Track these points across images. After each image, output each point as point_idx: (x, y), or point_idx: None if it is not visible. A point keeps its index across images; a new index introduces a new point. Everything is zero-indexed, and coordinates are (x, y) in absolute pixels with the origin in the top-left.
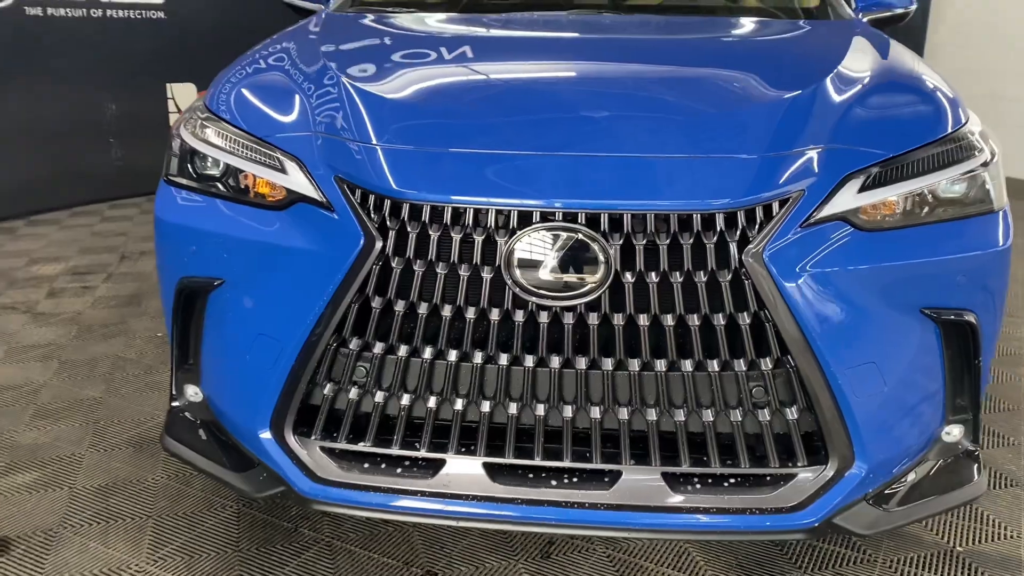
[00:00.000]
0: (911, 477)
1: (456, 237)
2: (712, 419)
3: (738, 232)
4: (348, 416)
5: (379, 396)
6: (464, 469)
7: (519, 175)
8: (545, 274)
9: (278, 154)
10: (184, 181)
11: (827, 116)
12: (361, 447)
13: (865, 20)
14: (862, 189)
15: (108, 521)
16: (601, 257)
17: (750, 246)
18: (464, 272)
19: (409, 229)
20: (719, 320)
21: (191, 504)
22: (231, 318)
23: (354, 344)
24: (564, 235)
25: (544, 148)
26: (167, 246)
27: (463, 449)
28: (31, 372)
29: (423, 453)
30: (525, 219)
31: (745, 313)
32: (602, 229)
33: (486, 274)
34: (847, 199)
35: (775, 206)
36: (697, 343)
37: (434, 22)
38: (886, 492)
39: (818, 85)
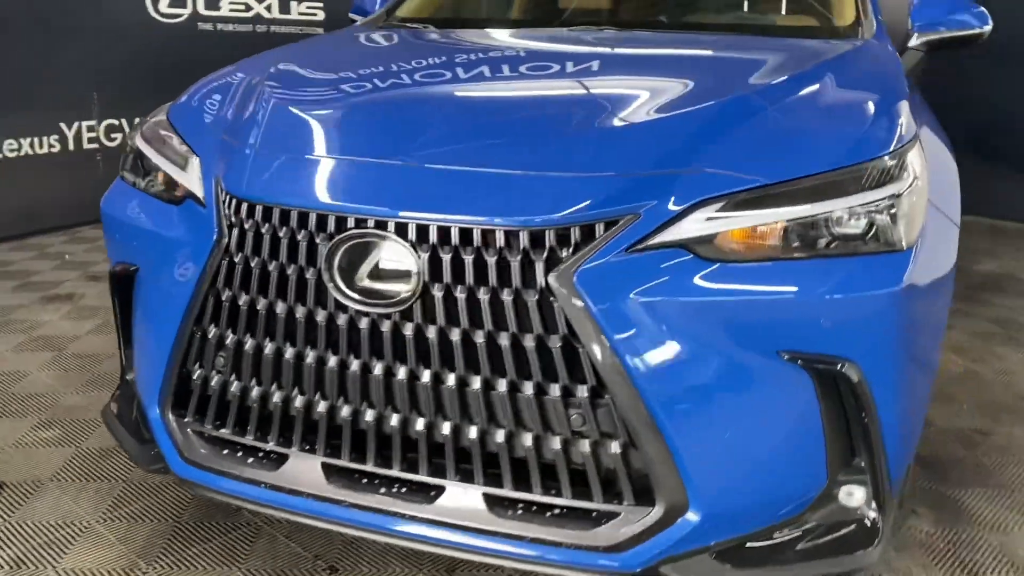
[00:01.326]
0: (783, 535)
1: (284, 239)
2: (531, 444)
3: (545, 252)
4: (213, 402)
5: (235, 386)
6: (304, 466)
7: (343, 181)
8: (361, 280)
9: (186, 153)
10: (129, 176)
11: (712, 136)
12: (222, 434)
13: (920, 42)
14: (717, 217)
15: (89, 480)
16: (412, 268)
17: (559, 267)
18: (292, 274)
19: (246, 228)
20: (528, 341)
21: (162, 477)
22: (140, 302)
23: (212, 334)
24: (375, 243)
25: (380, 155)
26: (106, 234)
27: (307, 447)
28: (111, 344)
29: (270, 446)
30: (345, 224)
31: (555, 336)
32: (410, 239)
33: (310, 276)
34: (693, 226)
35: (599, 228)
36: (510, 363)
37: (419, 38)
38: (742, 548)
39: (722, 104)
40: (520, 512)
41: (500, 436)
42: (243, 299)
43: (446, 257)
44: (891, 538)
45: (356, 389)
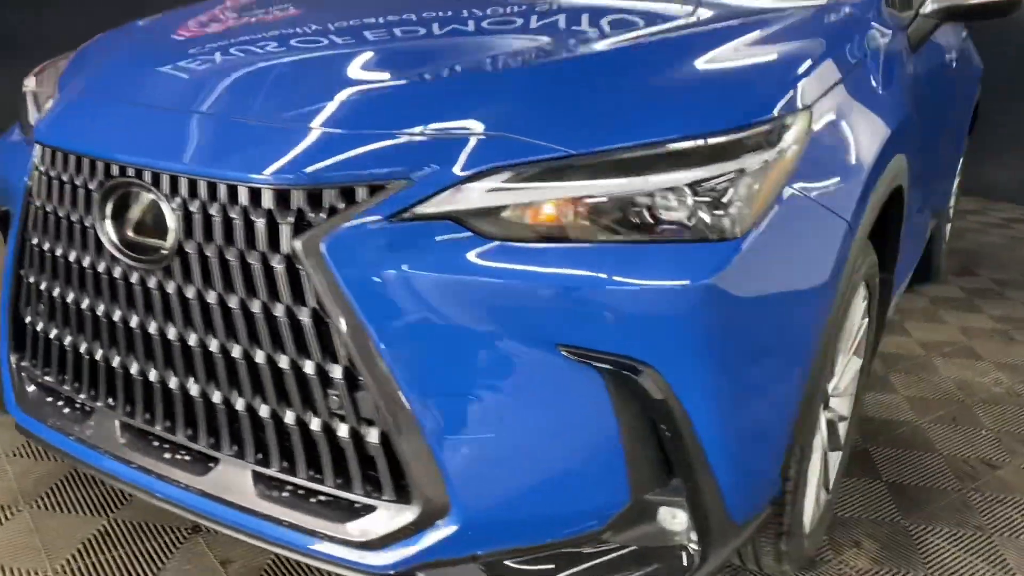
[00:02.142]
0: (566, 553)
1: (67, 185)
2: (294, 423)
3: (293, 214)
4: (40, 348)
5: (53, 333)
6: (106, 423)
7: (116, 128)
8: (128, 233)
9: (41, 97)
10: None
11: (518, 97)
12: (46, 380)
13: (935, 8)
14: (502, 188)
15: None
16: (170, 223)
17: (308, 233)
18: (76, 222)
19: (41, 172)
20: (279, 312)
21: None
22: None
23: (30, 279)
24: (139, 194)
25: (151, 103)
26: None
27: (110, 403)
28: None
29: (81, 399)
30: (111, 172)
31: (305, 309)
32: (164, 191)
33: (88, 223)
34: (472, 197)
35: (360, 192)
36: (264, 333)
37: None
38: (521, 561)
39: (540, 64)
40: (286, 495)
41: (265, 412)
42: (47, 246)
43: (197, 214)
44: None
45: (139, 347)
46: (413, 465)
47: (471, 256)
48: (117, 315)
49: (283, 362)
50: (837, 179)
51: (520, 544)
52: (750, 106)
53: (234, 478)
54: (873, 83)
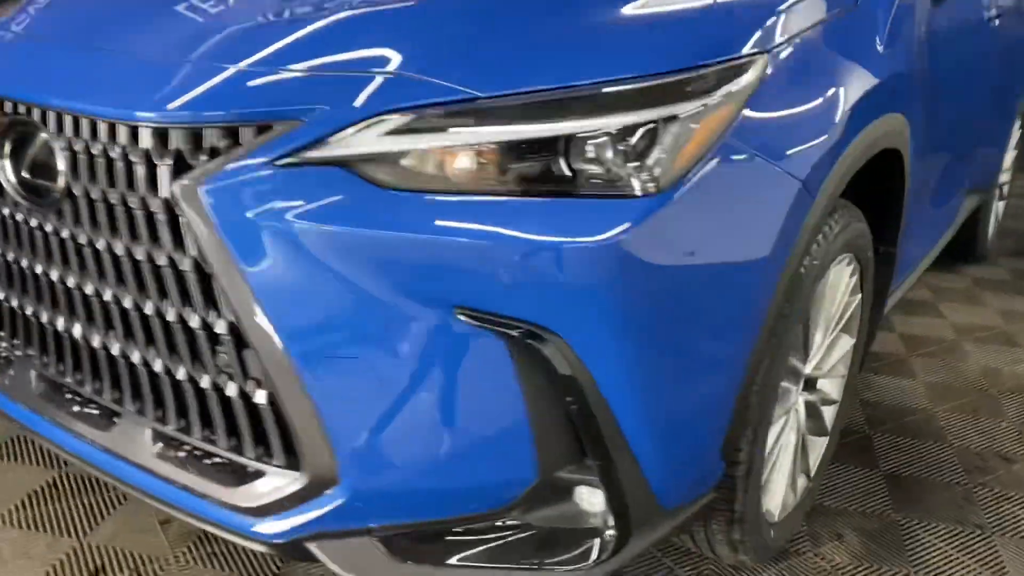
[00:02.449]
0: (468, 530)
1: None
2: (186, 379)
3: (172, 155)
4: None
5: None
6: (24, 373)
7: (17, 64)
8: (23, 172)
9: None
10: None
11: (425, 34)
12: None
13: None
14: (398, 132)
15: None
16: (59, 163)
17: (187, 175)
18: None
19: None
20: (163, 260)
21: None
22: None
23: None
24: (34, 132)
25: (48, 38)
26: None
27: (30, 352)
28: None
29: (2, 347)
30: (3, 109)
31: (186, 259)
32: (51, 129)
33: None
34: (365, 141)
35: (244, 133)
36: (151, 283)
37: None
38: (413, 536)
39: None
40: (183, 455)
41: (159, 367)
42: None
43: (82, 154)
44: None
45: (46, 295)
46: (300, 430)
47: (361, 206)
48: (24, 261)
49: (171, 315)
50: (794, 135)
51: (419, 519)
52: (692, 47)
53: (134, 436)
54: (867, 33)
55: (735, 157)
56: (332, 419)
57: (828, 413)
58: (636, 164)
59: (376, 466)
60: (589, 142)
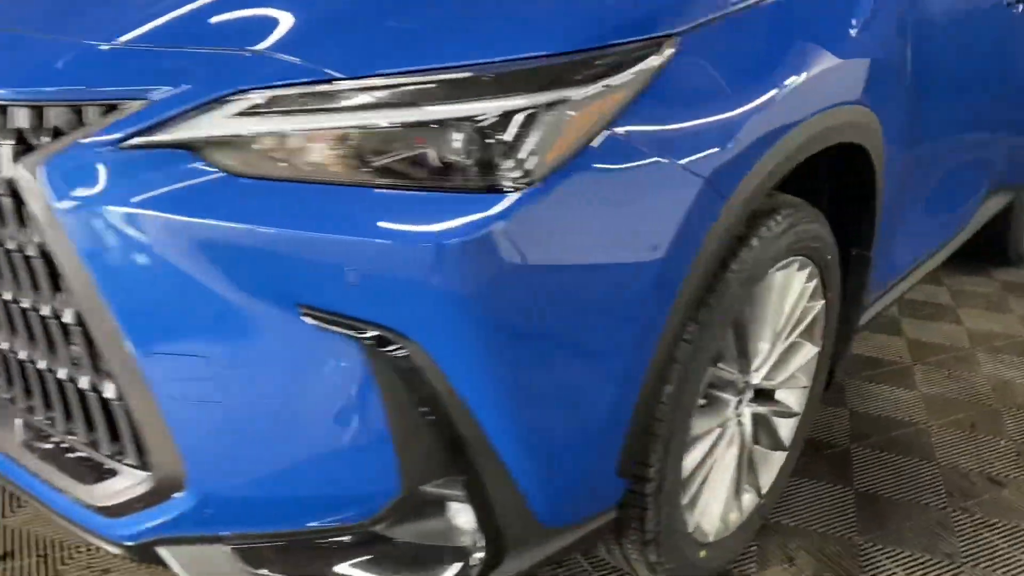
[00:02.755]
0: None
1: None
2: (46, 369)
3: (14, 135)
4: None
5: None
6: None
7: None
8: None
9: None
10: None
11: (293, 11)
12: None
13: None
14: (249, 115)
15: None
16: None
17: (28, 156)
18: None
19: None
20: (11, 244)
21: None
22: None
23: None
24: None
25: None
26: None
27: None
28: None
29: None
30: None
31: (29, 242)
32: None
33: None
34: (212, 124)
35: (88, 112)
36: (4, 266)
37: None
38: (266, 546)
39: None
40: (48, 448)
41: (24, 355)
42: None
43: None
44: None
45: None
46: (145, 429)
47: (204, 193)
48: None
49: (25, 302)
50: (700, 129)
51: (274, 528)
52: (584, 29)
53: (5, 424)
54: (815, 18)
55: (622, 151)
56: (177, 420)
57: (786, 426)
58: (503, 155)
59: (224, 470)
60: (454, 130)
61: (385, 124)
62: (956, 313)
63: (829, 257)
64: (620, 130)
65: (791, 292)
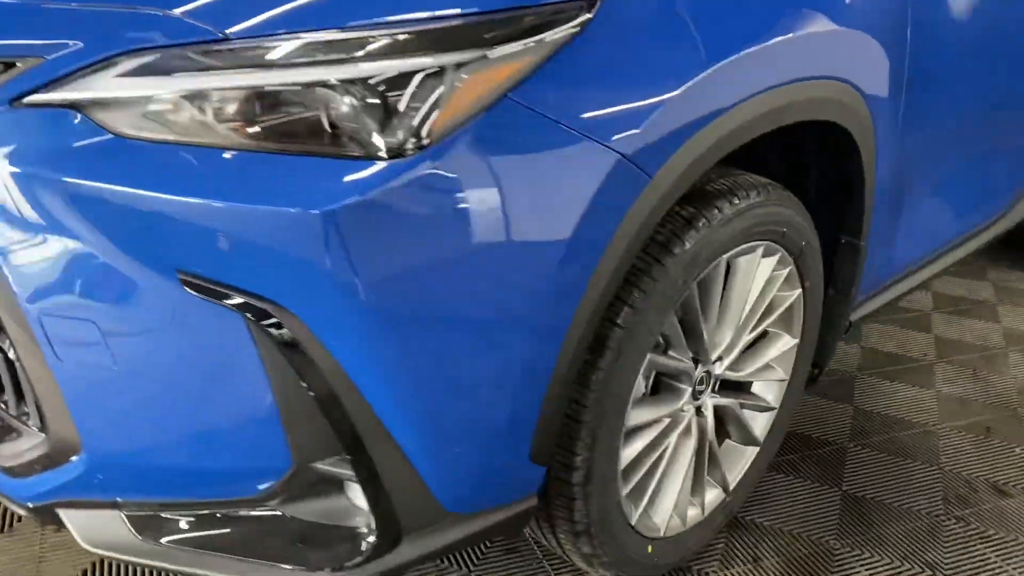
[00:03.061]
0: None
1: None
2: None
3: None
4: None
5: None
6: None
7: None
8: None
9: None
10: None
11: None
12: None
13: None
14: (132, 75)
15: None
16: None
17: None
18: None
19: None
20: None
21: None
22: None
23: None
24: None
25: None
26: None
27: None
28: None
29: None
30: None
31: None
32: None
33: None
34: (101, 83)
35: None
36: None
37: None
38: (160, 514)
39: None
40: None
41: None
42: None
43: None
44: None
45: None
46: (40, 392)
47: (92, 155)
48: None
49: None
50: (620, 100)
51: (166, 497)
52: None
53: None
54: None
55: (525, 120)
56: (69, 384)
57: (760, 421)
58: (387, 118)
59: (115, 437)
60: (339, 92)
61: (275, 83)
62: (995, 310)
63: (804, 243)
64: (523, 98)
65: (755, 279)
